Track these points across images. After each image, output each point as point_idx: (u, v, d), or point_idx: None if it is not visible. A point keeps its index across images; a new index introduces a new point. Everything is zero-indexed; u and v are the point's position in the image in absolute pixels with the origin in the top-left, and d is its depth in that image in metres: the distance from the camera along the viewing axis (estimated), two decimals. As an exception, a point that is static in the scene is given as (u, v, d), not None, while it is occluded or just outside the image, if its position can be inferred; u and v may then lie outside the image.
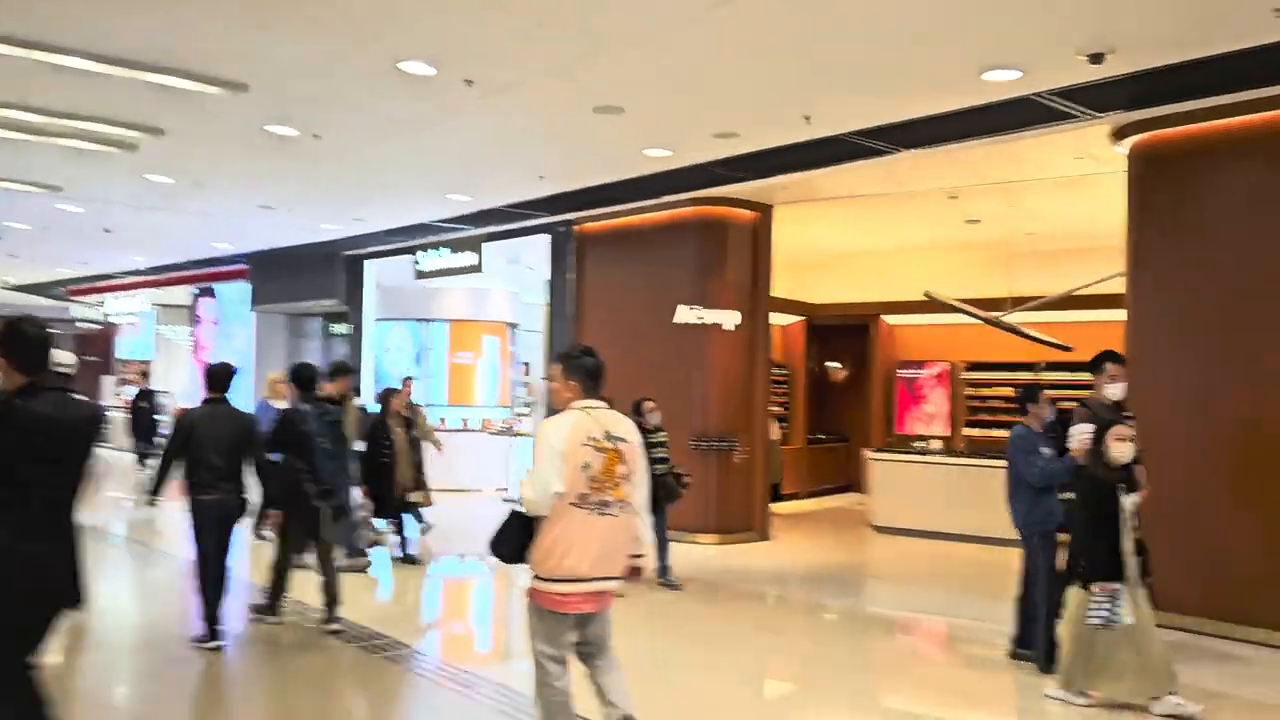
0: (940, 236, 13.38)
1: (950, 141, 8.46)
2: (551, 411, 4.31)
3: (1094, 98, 7.21)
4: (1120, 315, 13.35)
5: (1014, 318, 12.09)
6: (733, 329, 11.46)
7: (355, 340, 16.91)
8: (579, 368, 4.12)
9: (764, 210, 11.69)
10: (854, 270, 15.43)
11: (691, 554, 10.65)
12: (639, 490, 4.13)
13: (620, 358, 12.60)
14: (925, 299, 12.14)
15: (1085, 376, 14.33)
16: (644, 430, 7.79)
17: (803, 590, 9.25)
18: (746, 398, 11.55)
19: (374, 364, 16.48)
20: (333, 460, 6.78)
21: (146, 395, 13.79)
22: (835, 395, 17.55)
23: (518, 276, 16.63)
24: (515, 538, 4.02)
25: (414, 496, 10.11)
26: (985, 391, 14.88)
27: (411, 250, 15.22)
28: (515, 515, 4.05)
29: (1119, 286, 11.31)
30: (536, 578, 3.99)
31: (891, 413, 15.56)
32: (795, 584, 9.56)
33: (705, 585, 9.07)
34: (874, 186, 10.50)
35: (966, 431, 14.93)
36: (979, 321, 14.09)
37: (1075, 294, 11.56)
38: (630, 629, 7.13)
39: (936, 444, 12.87)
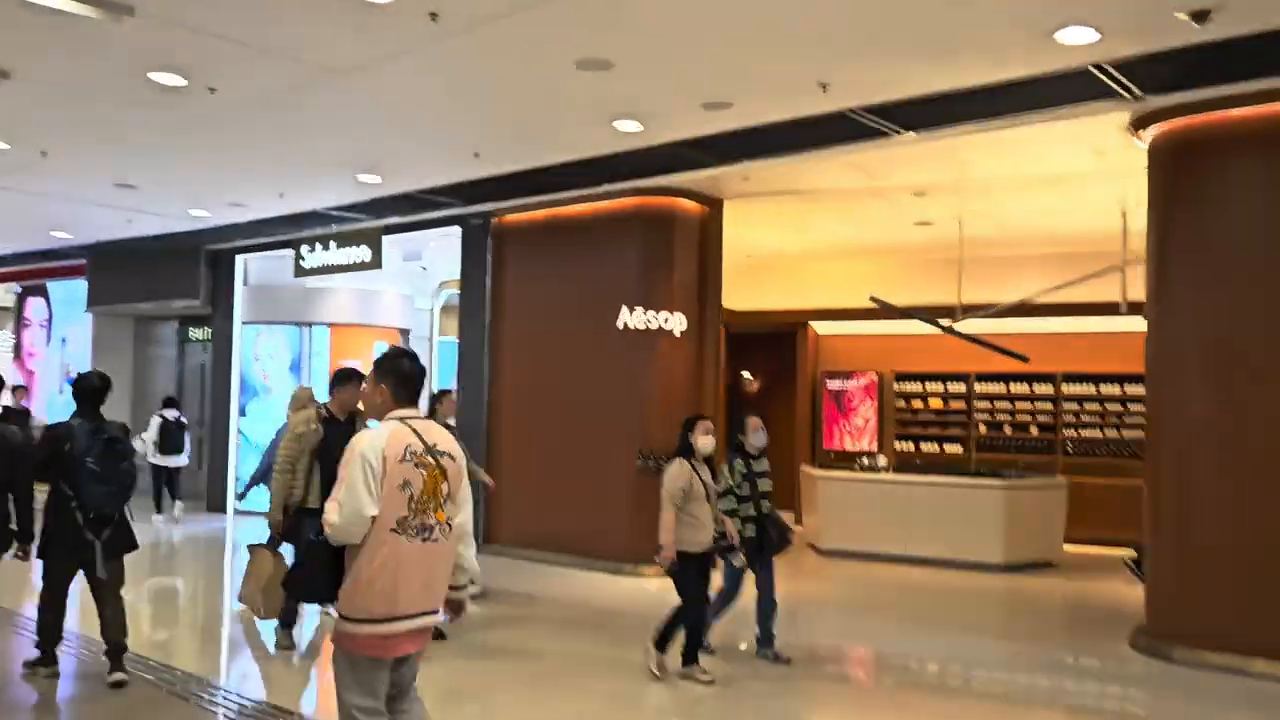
0: (882, 239, 12.56)
1: (962, 123, 7.52)
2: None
3: (1157, 75, 6.37)
4: (1074, 325, 13.12)
5: (965, 326, 11.38)
6: (679, 335, 10.25)
7: (219, 347, 14.84)
8: (391, 371, 3.68)
9: (713, 204, 10.54)
10: (779, 275, 14.47)
11: (636, 589, 9.37)
12: (462, 511, 3.70)
13: (548, 368, 11.14)
14: (871, 304, 11.28)
15: (1021, 389, 13.98)
16: (746, 455, 6.70)
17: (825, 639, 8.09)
18: (695, 411, 10.31)
19: (240, 374, 14.48)
20: (104, 484, 5.67)
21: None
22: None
23: (411, 278, 14.98)
24: (321, 573, 3.52)
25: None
26: (916, 404, 14.17)
27: (292, 244, 13.38)
28: (319, 546, 3.51)
29: (1080, 294, 10.84)
30: (347, 619, 3.47)
31: (818, 426, 14.67)
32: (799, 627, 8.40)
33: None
34: (842, 180, 9.51)
35: (897, 446, 14.18)
36: (929, 330, 13.44)
37: (1031, 301, 10.94)
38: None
39: (882, 460, 11.99)
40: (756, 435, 6.84)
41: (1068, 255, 12.23)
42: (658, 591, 9.35)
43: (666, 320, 10.15)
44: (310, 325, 14.33)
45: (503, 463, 11.12)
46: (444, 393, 8.34)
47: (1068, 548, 11.44)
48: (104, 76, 6.95)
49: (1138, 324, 13.05)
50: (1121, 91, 6.64)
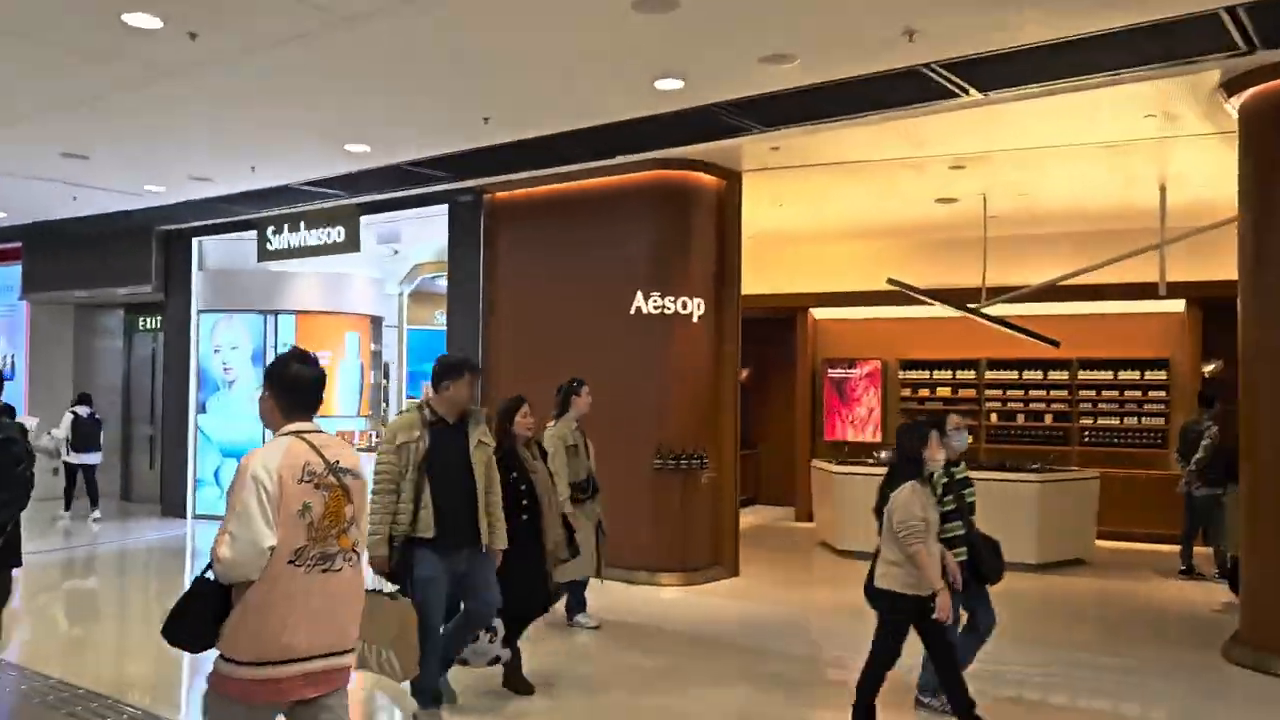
0: (898, 218, 11.81)
1: (1036, 82, 6.78)
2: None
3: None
4: (1091, 308, 12.53)
5: (991, 310, 10.71)
6: (698, 321, 9.39)
7: (174, 337, 13.62)
8: (278, 377, 3.22)
9: (732, 178, 9.69)
10: (776, 258, 13.65)
11: (653, 599, 8.53)
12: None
13: (551, 358, 9.99)
14: (889, 287, 10.55)
15: (1034, 375, 13.38)
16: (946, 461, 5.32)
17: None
18: (714, 403, 9.51)
19: (198, 366, 13.30)
20: None
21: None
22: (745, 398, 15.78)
23: (380, 262, 13.91)
24: (205, 614, 3.03)
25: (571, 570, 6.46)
26: (923, 393, 13.51)
27: (256, 225, 12.24)
28: (204, 584, 3.06)
29: (1110, 276, 10.22)
30: (228, 660, 3.03)
31: (819, 417, 13.94)
32: (844, 643, 7.61)
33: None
34: (884, 149, 8.73)
35: (903, 437, 13.47)
36: (935, 314, 12.82)
37: (1061, 283, 10.30)
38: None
39: (903, 454, 11.25)
40: (958, 436, 5.64)
41: (1094, 234, 11.67)
42: (673, 601, 8.55)
43: (685, 305, 9.29)
44: (275, 313, 13.20)
45: (500, 462, 10.19)
46: (578, 385, 7.33)
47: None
48: (68, 18, 5.87)
49: (1158, 306, 12.69)
50: (1240, 43, 5.93)
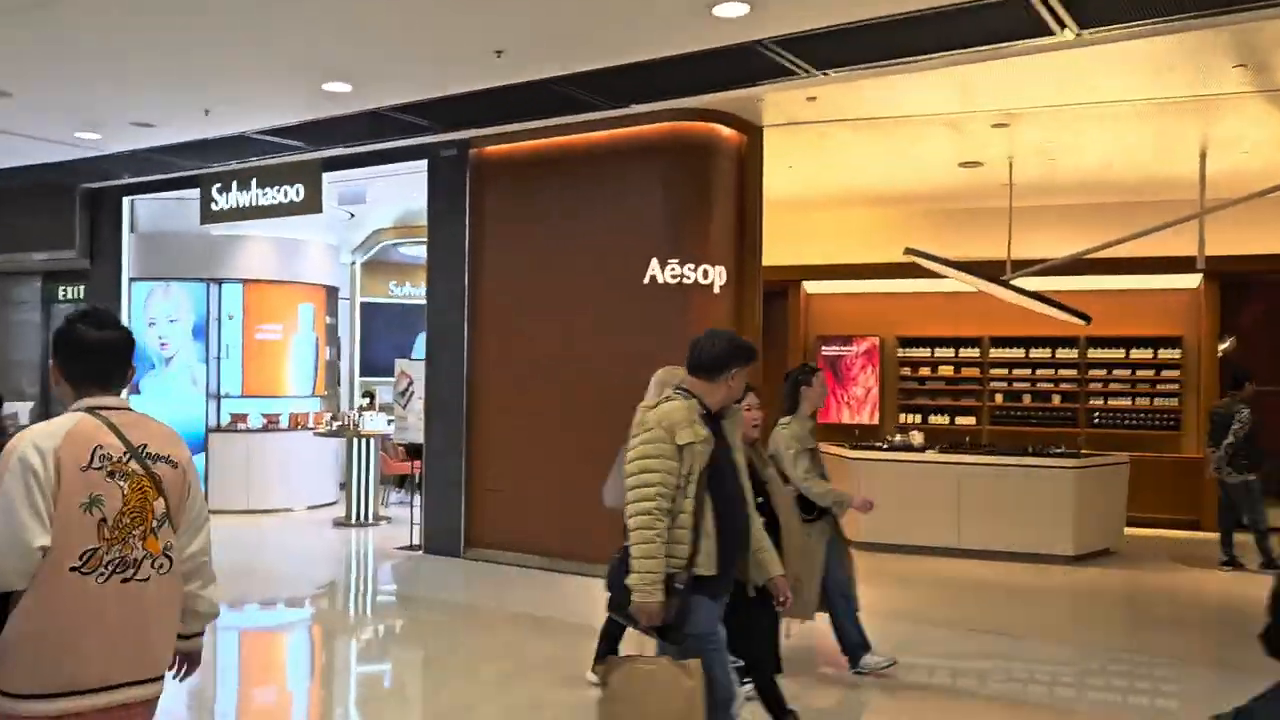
0: (906, 186, 10.98)
1: (1138, 20, 5.95)
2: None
3: None
4: (1100, 283, 11.88)
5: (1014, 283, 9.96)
6: (719, 291, 8.43)
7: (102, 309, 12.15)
8: (62, 344, 2.64)
9: (753, 133, 8.71)
10: (768, 227, 12.74)
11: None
12: (194, 538, 2.70)
13: (550, 334, 8.52)
14: (909, 259, 9.72)
15: (1042, 354, 12.73)
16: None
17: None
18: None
19: (131, 341, 11.86)
20: None
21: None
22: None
23: (334, 226, 12.64)
24: None
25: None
26: (924, 372, 12.77)
27: (201, 182, 10.89)
28: None
29: (1141, 249, 9.54)
30: (3, 694, 2.40)
31: (811, 398, 13.10)
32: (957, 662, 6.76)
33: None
34: (933, 101, 7.86)
35: (901, 418, 12.76)
36: (935, 288, 12.09)
37: (1089, 255, 9.58)
38: None
39: (917, 437, 10.50)
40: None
41: (1116, 206, 11.04)
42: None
43: (706, 273, 8.31)
44: (219, 282, 11.85)
45: (488, 453, 9.12)
46: (810, 372, 5.85)
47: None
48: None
49: (1170, 282, 12.12)
50: None
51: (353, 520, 11.07)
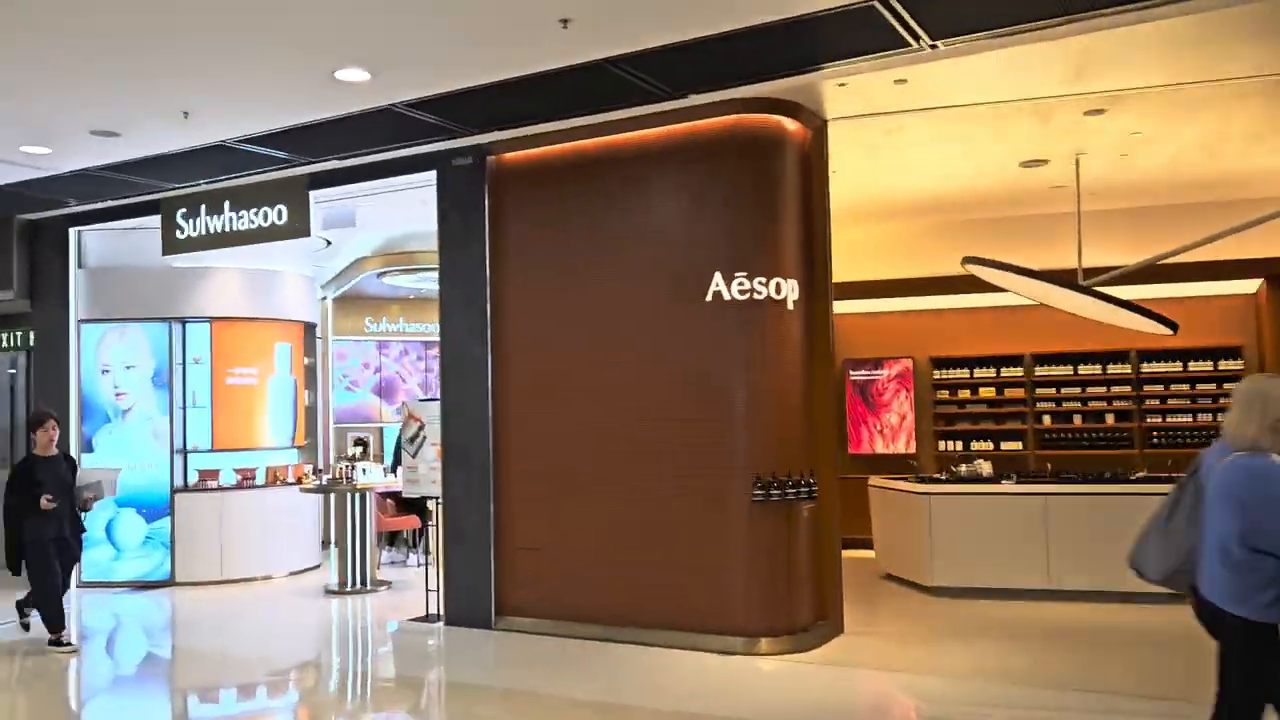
0: (953, 193, 10.01)
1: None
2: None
3: None
4: (1153, 292, 11.04)
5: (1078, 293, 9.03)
6: (793, 308, 7.32)
7: (45, 355, 10.62)
8: None
9: (818, 128, 7.68)
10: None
11: (781, 682, 6.38)
12: None
13: (594, 364, 7.20)
14: (966, 270, 8.78)
15: (1091, 370, 11.83)
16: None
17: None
18: (808, 412, 7.44)
19: (79, 392, 10.37)
20: None
21: None
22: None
23: (307, 253, 11.31)
24: None
25: None
26: (963, 394, 11.79)
27: (163, 206, 9.52)
28: None
29: (1212, 253, 8.70)
30: None
31: (842, 427, 12.05)
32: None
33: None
34: (1036, 83, 6.89)
35: (940, 445, 11.77)
36: (969, 304, 11.25)
37: (1165, 260, 8.69)
38: None
39: (986, 467, 9.48)
40: None
41: (1187, 207, 10.24)
42: (777, 675, 6.44)
43: (779, 288, 7.20)
44: (183, 321, 10.42)
45: (519, 504, 7.87)
46: None
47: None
48: None
49: (1224, 288, 11.36)
50: None
51: (347, 587, 9.66)
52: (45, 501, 7.35)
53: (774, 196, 7.30)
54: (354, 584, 9.66)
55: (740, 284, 7.11)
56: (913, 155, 8.76)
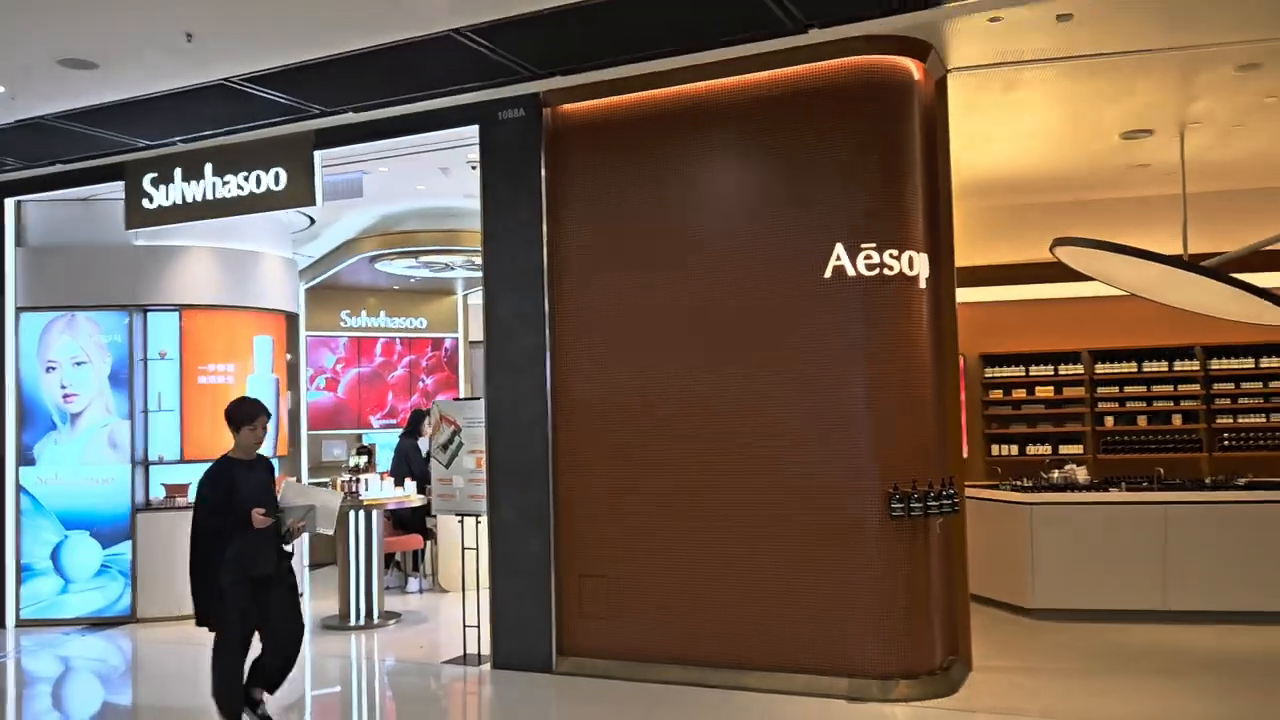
0: (1032, 171, 9.02)
1: None
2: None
3: None
4: (1259, 279, 10.16)
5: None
6: (924, 286, 6.18)
7: None
8: None
9: (939, 79, 6.56)
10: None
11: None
12: None
13: (676, 357, 5.71)
14: (1055, 252, 7.76)
15: (1156, 367, 10.94)
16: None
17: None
18: (940, 409, 6.30)
19: (18, 390, 8.71)
20: None
21: None
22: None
23: (287, 234, 9.85)
24: None
25: None
26: (1018, 394, 10.83)
27: (128, 170, 7.98)
28: None
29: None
30: None
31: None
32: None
33: None
34: (1207, 29, 5.89)
35: (993, 449, 10.80)
36: (1025, 295, 10.39)
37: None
38: None
39: (1081, 473, 8.48)
40: None
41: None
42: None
43: (911, 263, 6.05)
44: (144, 310, 8.85)
45: (584, 524, 6.57)
46: None
47: None
48: None
49: (1283, 277, 10.64)
50: None
51: (350, 622, 8.22)
52: (258, 517, 5.15)
53: (901, 155, 6.14)
54: (358, 618, 8.22)
55: (868, 257, 5.95)
56: (1007, 122, 7.73)
